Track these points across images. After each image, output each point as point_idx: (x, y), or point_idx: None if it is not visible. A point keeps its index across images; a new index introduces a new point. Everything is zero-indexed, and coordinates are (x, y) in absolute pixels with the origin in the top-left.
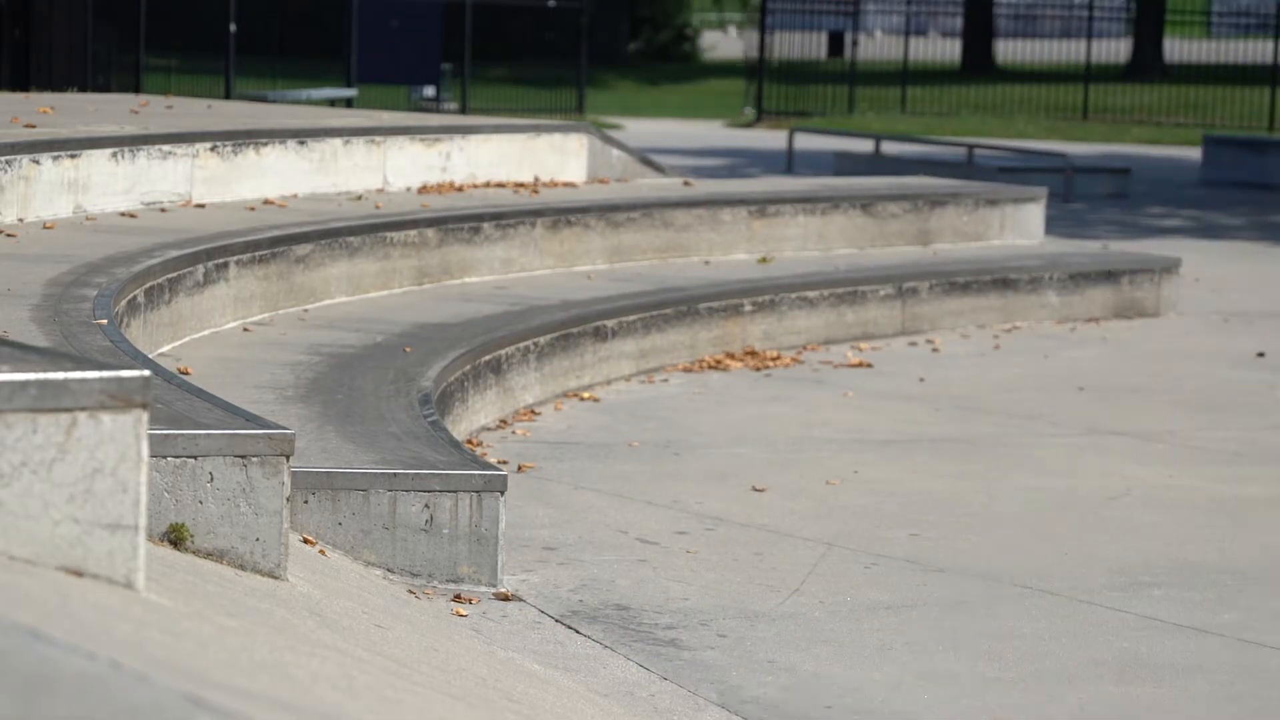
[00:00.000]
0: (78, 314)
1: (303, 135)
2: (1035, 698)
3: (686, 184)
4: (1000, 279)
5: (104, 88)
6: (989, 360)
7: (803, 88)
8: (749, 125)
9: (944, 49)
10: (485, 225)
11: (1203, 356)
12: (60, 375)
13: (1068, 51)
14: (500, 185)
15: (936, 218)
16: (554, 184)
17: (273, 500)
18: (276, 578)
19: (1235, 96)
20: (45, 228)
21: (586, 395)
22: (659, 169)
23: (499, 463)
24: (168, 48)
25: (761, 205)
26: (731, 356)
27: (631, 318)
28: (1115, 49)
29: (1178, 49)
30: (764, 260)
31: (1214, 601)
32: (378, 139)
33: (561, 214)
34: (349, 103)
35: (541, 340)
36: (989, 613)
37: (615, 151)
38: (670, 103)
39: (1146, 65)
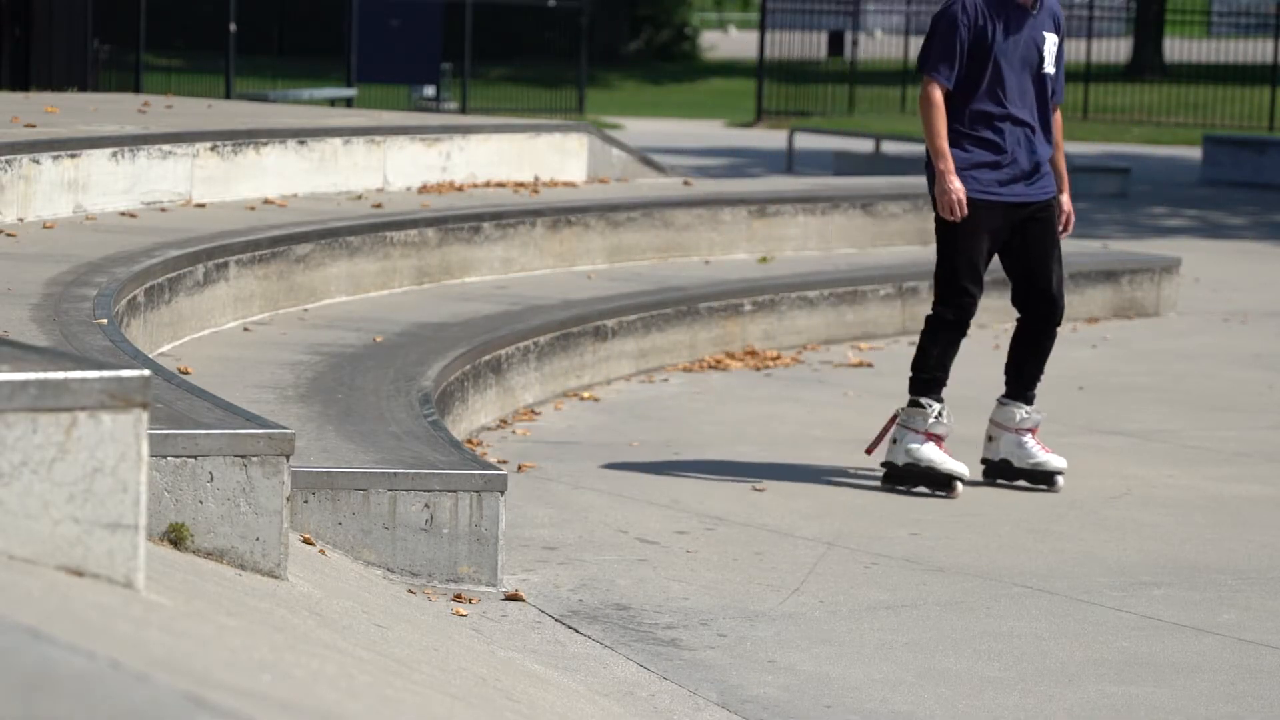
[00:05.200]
0: (78, 313)
1: (303, 135)
2: (1035, 697)
3: (686, 183)
4: (1000, 279)
5: (104, 87)
6: (989, 360)
7: (803, 87)
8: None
9: None
10: (485, 225)
11: (1202, 356)
12: (60, 375)
13: (1068, 51)
14: (500, 185)
15: None
16: (554, 184)
17: (273, 500)
18: (276, 577)
19: (1235, 96)
20: (45, 227)
21: (586, 395)
22: (659, 168)
23: (499, 462)
24: (168, 48)
25: (761, 205)
26: (731, 356)
27: (631, 317)
28: (1115, 49)
29: (1178, 49)
30: (764, 260)
31: (1214, 601)
32: (378, 139)
33: (561, 214)
34: (349, 103)
35: (541, 340)
36: (989, 613)
37: (615, 151)
38: (670, 102)
39: (1146, 65)
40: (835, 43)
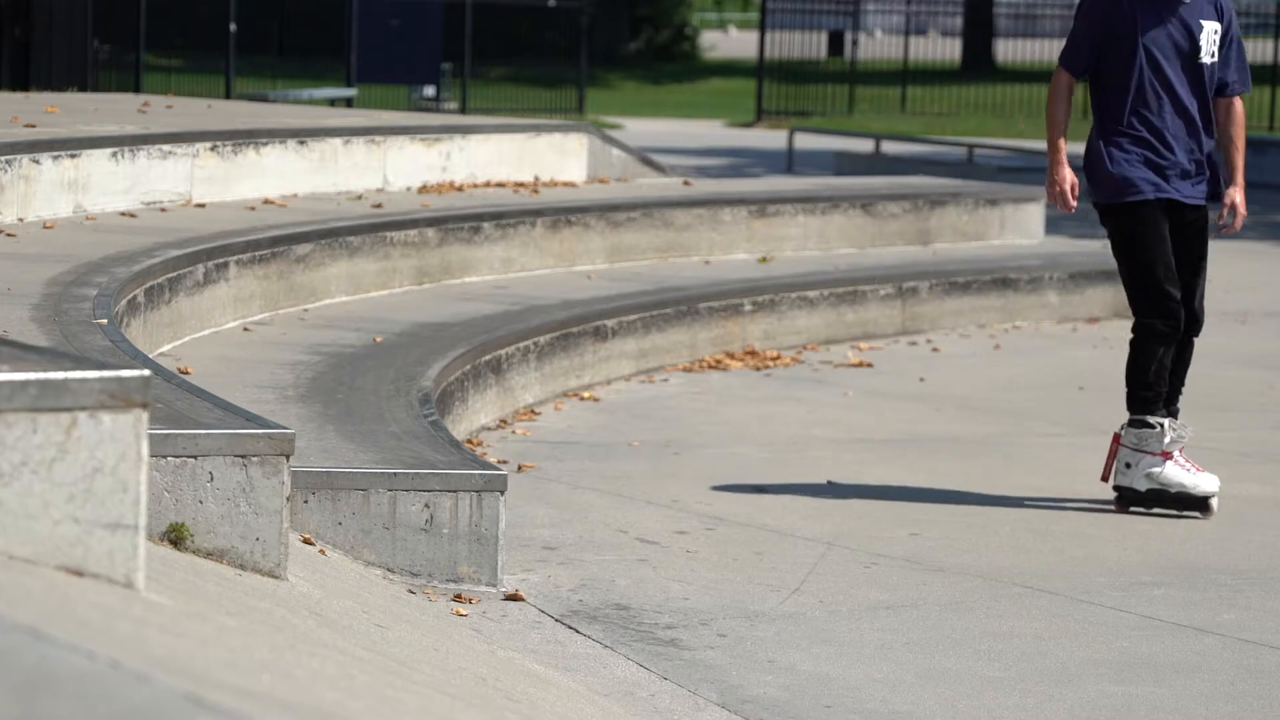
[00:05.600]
0: (78, 314)
1: (303, 135)
2: (1035, 697)
3: (686, 183)
4: (1000, 279)
5: (104, 87)
6: (989, 360)
7: (803, 87)
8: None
9: (944, 49)
10: (485, 225)
11: (1203, 356)
12: (60, 375)
13: None
14: (500, 185)
15: (936, 217)
16: (554, 184)
17: (273, 500)
18: (276, 577)
19: None
20: (45, 227)
21: (586, 395)
22: (659, 168)
23: (499, 462)
24: (168, 48)
25: (761, 205)
26: (731, 356)
27: (631, 317)
28: None
29: None
30: (764, 260)
31: (1214, 601)
32: (378, 139)
33: (561, 214)
34: (349, 102)
35: (541, 340)
36: (989, 613)
37: (615, 151)
38: (670, 102)
39: None
40: (835, 43)
